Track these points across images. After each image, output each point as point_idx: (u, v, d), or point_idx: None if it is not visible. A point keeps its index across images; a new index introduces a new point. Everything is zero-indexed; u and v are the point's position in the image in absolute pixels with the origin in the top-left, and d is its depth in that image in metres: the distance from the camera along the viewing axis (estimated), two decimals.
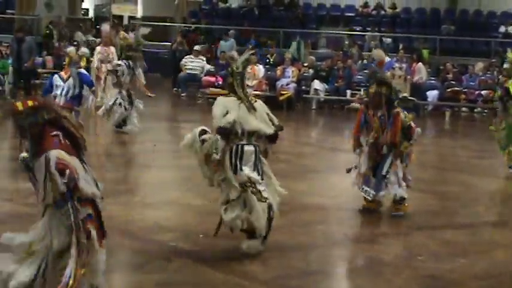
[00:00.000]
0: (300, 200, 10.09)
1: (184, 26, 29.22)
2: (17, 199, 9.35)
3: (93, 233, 5.75)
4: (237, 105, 7.44)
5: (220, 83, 21.16)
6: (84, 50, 15.95)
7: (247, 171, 7.30)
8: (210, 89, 21.66)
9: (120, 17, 30.69)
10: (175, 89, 23.63)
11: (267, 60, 23.83)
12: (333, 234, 8.88)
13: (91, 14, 32.78)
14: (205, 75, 22.60)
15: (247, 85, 8.70)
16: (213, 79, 22.23)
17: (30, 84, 20.05)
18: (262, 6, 30.28)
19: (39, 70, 22.34)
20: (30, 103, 5.74)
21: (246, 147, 7.37)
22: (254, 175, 7.33)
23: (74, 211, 5.66)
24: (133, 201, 9.84)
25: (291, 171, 12.32)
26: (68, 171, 5.59)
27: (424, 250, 8.08)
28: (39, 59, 23.03)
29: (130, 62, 15.09)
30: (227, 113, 7.36)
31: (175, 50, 24.59)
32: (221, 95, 8.11)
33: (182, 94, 22.73)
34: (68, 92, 11.57)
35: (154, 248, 7.79)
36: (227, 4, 30.74)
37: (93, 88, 12.39)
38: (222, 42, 25.76)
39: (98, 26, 25.68)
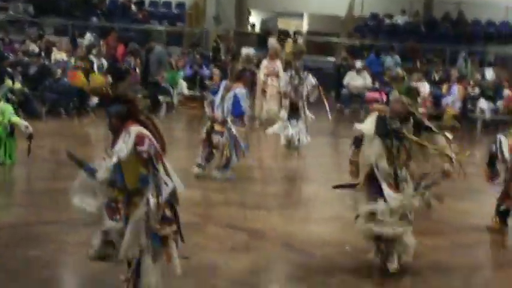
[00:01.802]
0: (462, 220, 10.02)
1: (349, 42, 29.28)
2: None
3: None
4: None
5: (384, 99, 21.03)
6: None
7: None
8: (374, 105, 21.51)
9: (286, 32, 30.96)
10: (338, 104, 23.72)
11: (432, 78, 23.55)
12: (495, 257, 8.74)
13: (257, 28, 33.30)
14: (369, 91, 22.65)
15: None
16: (377, 95, 22.12)
17: (156, 99, 19.93)
18: (429, 23, 29.95)
19: (206, 82, 22.90)
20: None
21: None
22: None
23: (157, 180, 5.73)
24: (296, 215, 9.98)
25: (453, 190, 12.19)
26: (146, 140, 5.69)
27: None
28: (206, 71, 23.63)
29: (293, 72, 14.68)
30: None
31: (340, 66, 24.72)
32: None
33: (345, 110, 22.77)
34: (223, 108, 11.46)
35: (315, 262, 7.87)
36: (393, 20, 30.56)
37: (233, 119, 11.64)
38: (386, 58, 25.63)
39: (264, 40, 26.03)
